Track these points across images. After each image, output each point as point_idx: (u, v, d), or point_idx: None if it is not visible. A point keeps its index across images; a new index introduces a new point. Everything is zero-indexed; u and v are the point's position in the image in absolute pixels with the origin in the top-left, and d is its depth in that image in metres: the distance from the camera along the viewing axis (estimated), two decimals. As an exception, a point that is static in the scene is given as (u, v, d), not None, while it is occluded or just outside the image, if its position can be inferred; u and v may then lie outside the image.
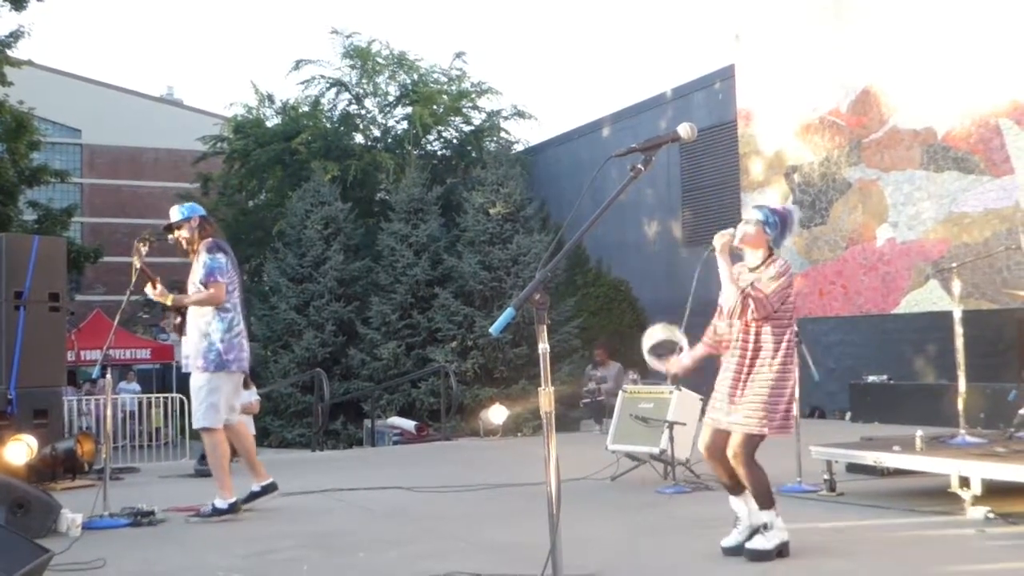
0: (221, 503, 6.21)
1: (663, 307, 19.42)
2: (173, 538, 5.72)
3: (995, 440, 6.60)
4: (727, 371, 4.75)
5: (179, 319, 6.44)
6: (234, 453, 9.94)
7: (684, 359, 4.94)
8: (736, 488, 4.76)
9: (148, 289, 6.35)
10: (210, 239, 6.43)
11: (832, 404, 14.53)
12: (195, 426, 6.34)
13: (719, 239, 4.70)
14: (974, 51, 12.26)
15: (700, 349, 4.93)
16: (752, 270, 4.75)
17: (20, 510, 5.54)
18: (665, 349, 4.91)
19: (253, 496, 6.45)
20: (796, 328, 5.72)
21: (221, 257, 6.33)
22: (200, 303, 6.27)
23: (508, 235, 19.60)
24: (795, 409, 5.40)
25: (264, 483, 6.47)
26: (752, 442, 4.63)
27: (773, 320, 4.65)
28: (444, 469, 9.01)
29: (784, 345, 4.68)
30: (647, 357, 4.87)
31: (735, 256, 4.79)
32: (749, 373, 4.66)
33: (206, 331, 6.25)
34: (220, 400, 6.26)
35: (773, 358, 4.64)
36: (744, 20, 16.11)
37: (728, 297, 4.67)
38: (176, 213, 6.50)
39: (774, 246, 4.77)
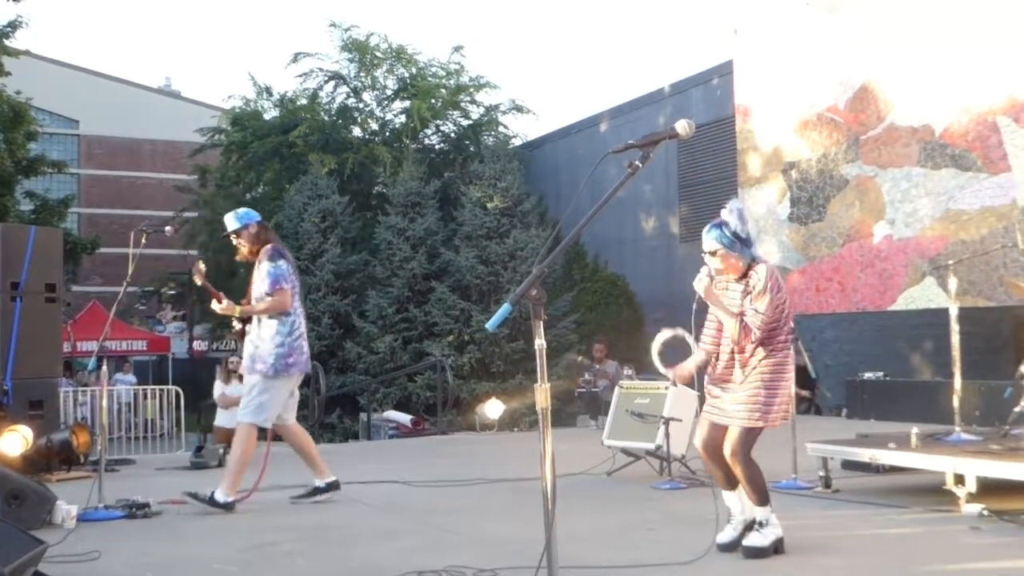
0: (221, 496, 6.21)
1: (660, 302, 19.43)
2: (168, 530, 5.72)
3: (990, 437, 6.61)
4: (723, 366, 4.75)
5: (241, 327, 6.50)
6: (230, 444, 9.95)
7: (689, 365, 4.91)
8: (730, 483, 4.77)
9: (214, 304, 6.40)
10: (270, 246, 6.50)
11: (828, 400, 14.55)
12: (239, 419, 6.41)
13: (699, 285, 4.66)
14: (972, 48, 12.26)
15: (701, 355, 4.91)
16: (737, 280, 4.74)
17: (15, 501, 5.54)
18: (672, 349, 4.91)
19: (316, 491, 6.52)
20: (793, 325, 5.71)
21: (283, 264, 6.43)
22: (267, 311, 6.34)
23: (505, 229, 19.59)
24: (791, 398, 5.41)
25: (328, 480, 6.55)
26: (749, 437, 4.63)
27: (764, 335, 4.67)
28: (440, 463, 9.01)
29: (779, 341, 4.68)
30: (656, 360, 4.87)
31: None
32: (744, 369, 4.67)
33: (269, 335, 6.32)
34: (271, 400, 6.34)
35: (768, 354, 4.65)
36: (743, 16, 16.12)
37: (728, 327, 4.68)
38: (233, 221, 6.53)
39: (745, 257, 4.70)
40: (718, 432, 4.73)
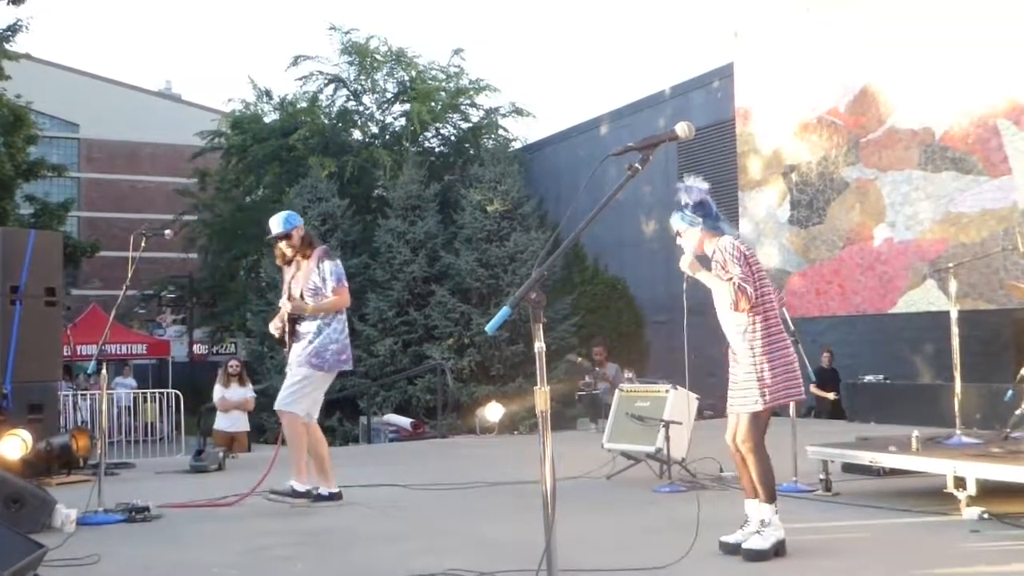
0: (299, 486, 6.37)
1: (660, 305, 19.43)
2: (168, 534, 5.71)
3: (991, 441, 6.60)
4: (732, 358, 4.81)
5: (291, 326, 6.51)
6: (230, 448, 9.96)
7: None
8: (752, 488, 4.75)
9: (283, 302, 6.48)
10: (323, 247, 6.64)
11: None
12: (278, 407, 6.48)
13: (684, 263, 4.71)
14: (973, 51, 12.26)
15: None
16: (711, 257, 4.78)
17: (15, 505, 5.52)
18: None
19: (319, 498, 6.53)
20: (793, 328, 5.70)
21: (340, 262, 6.60)
22: (333, 308, 6.46)
23: (505, 232, 19.60)
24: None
25: (332, 490, 6.60)
26: (756, 422, 4.65)
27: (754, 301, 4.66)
28: (440, 466, 9.00)
29: (762, 318, 4.66)
30: None
31: (703, 260, 4.80)
32: (739, 355, 4.70)
33: (324, 332, 6.43)
34: (313, 393, 6.50)
35: (749, 336, 4.65)
36: (743, 18, 16.11)
37: (724, 295, 4.67)
38: (281, 224, 6.55)
39: (714, 229, 4.74)
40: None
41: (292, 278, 6.59)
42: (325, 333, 6.42)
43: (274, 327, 6.61)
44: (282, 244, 6.56)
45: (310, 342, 6.41)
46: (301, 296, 6.51)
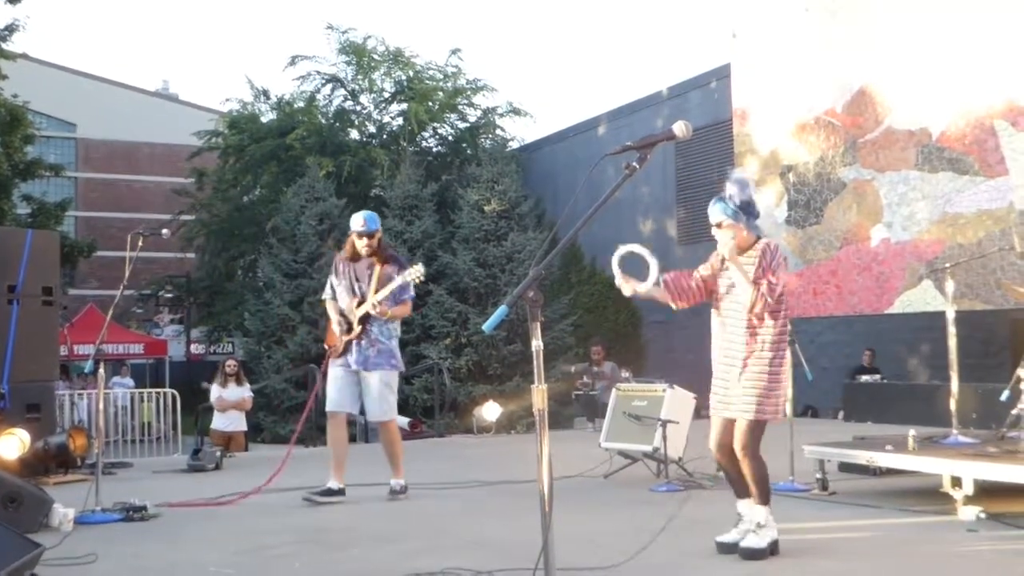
0: (403, 479, 6.82)
1: (657, 306, 19.44)
2: (165, 533, 5.70)
3: (987, 440, 6.61)
4: (728, 359, 4.76)
5: (360, 328, 6.66)
6: (227, 447, 9.94)
7: (643, 286, 4.80)
8: (744, 489, 4.75)
9: (370, 302, 6.55)
10: (398, 254, 7.00)
11: (825, 403, 14.55)
12: (377, 419, 6.82)
13: (726, 248, 4.71)
14: (970, 52, 12.27)
15: (661, 289, 4.92)
16: (742, 253, 4.76)
17: (12, 504, 5.52)
18: (631, 261, 4.89)
19: (330, 492, 6.64)
20: (790, 327, 5.71)
21: None
22: (404, 314, 6.89)
23: (503, 232, 19.59)
24: (789, 400, 5.52)
25: (337, 485, 6.75)
26: (757, 430, 4.65)
27: (772, 306, 4.68)
28: (437, 466, 9.00)
29: (780, 329, 4.70)
30: (615, 265, 4.86)
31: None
32: (747, 359, 4.68)
33: (393, 335, 6.79)
34: (396, 391, 6.88)
35: (770, 343, 4.66)
36: (741, 19, 16.12)
37: (745, 294, 4.67)
38: (367, 223, 6.67)
39: (751, 229, 4.75)
40: (728, 429, 4.74)
41: (357, 276, 6.73)
42: (394, 336, 6.76)
43: (338, 317, 6.75)
44: (362, 241, 6.66)
45: (385, 343, 6.67)
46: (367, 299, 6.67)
